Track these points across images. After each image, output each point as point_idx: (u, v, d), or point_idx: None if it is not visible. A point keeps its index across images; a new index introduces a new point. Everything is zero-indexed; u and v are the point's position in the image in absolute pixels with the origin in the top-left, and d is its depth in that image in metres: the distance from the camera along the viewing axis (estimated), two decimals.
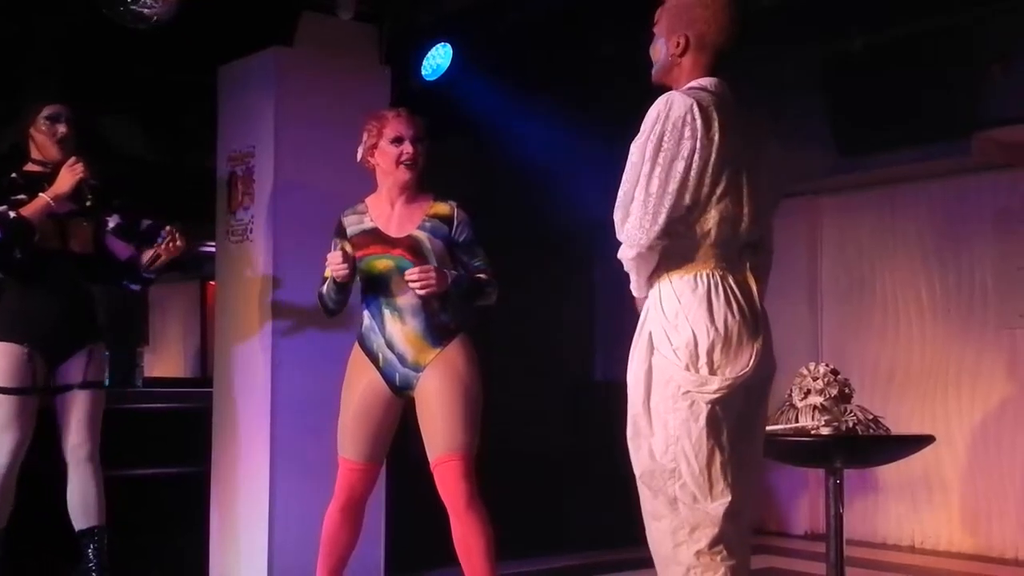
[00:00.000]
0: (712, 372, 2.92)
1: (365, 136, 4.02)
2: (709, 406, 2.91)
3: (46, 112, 4.43)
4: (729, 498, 2.91)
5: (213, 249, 5.68)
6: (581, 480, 6.82)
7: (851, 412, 4.42)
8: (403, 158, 3.93)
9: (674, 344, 2.94)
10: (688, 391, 2.91)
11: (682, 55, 3.07)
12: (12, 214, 4.23)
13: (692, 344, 2.92)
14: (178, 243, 4.51)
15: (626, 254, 2.97)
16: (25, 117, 4.46)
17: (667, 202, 2.89)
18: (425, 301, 3.87)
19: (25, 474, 4.39)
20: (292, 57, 5.26)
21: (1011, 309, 6.30)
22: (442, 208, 4.00)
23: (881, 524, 6.72)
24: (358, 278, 4.00)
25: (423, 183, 4.04)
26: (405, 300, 3.89)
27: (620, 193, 2.98)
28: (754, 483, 3.11)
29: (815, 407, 4.38)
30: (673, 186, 2.89)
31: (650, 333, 3.00)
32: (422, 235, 3.93)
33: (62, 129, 4.42)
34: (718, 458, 2.93)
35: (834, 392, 4.42)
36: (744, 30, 3.08)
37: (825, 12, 5.39)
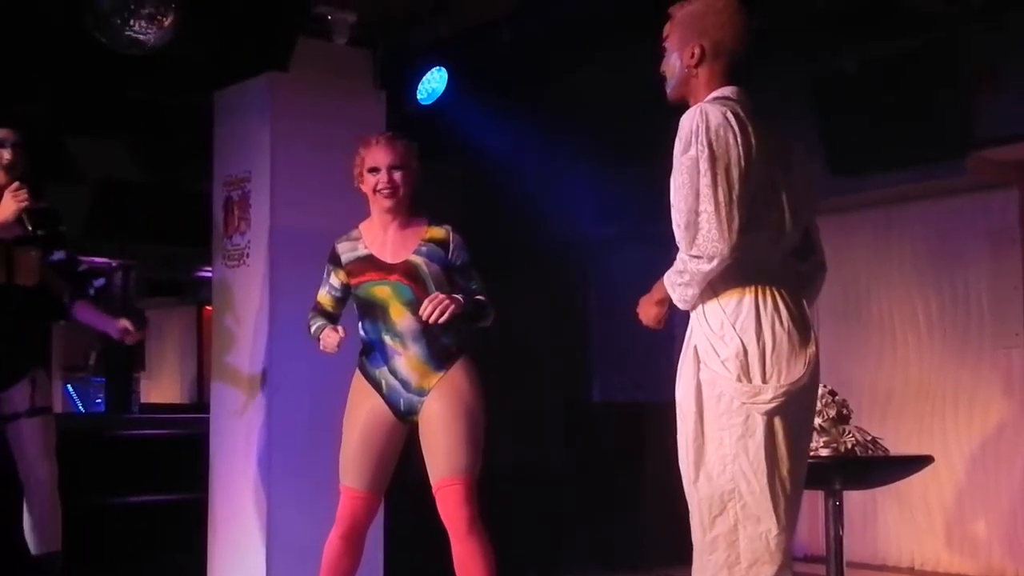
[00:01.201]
0: (764, 381, 2.85)
1: (355, 163, 4.04)
2: (765, 418, 2.84)
3: None
4: (789, 527, 2.82)
5: (209, 274, 5.67)
6: (579, 501, 6.80)
7: (849, 433, 4.41)
8: (378, 186, 3.93)
9: (722, 356, 2.88)
10: (742, 403, 2.85)
11: (698, 65, 3.04)
12: None
13: (742, 354, 2.86)
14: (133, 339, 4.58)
15: (701, 269, 2.88)
16: None
17: (736, 209, 2.84)
18: (426, 325, 3.85)
19: None
20: (287, 82, 5.26)
21: (1007, 328, 6.29)
22: (437, 232, 3.99)
23: (881, 546, 6.70)
24: (355, 305, 3.99)
25: (413, 207, 4.02)
26: (405, 325, 3.88)
27: (679, 212, 2.90)
28: (799, 505, 3.03)
29: (813, 428, 4.37)
30: (737, 192, 2.84)
31: (695, 348, 2.95)
32: (419, 260, 3.92)
33: (7, 155, 4.40)
34: (779, 474, 2.86)
35: (832, 413, 4.42)
36: (753, 40, 3.06)
37: (817, 33, 5.41)
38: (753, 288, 2.93)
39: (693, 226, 2.87)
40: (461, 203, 6.86)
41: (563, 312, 7.76)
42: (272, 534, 5.04)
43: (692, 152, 2.88)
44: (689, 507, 2.98)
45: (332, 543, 3.99)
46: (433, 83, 5.62)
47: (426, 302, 3.76)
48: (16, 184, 4.30)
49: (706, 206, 2.85)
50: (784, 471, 2.87)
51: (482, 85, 5.78)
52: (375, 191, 3.94)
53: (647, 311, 3.13)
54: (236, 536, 5.20)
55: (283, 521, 5.04)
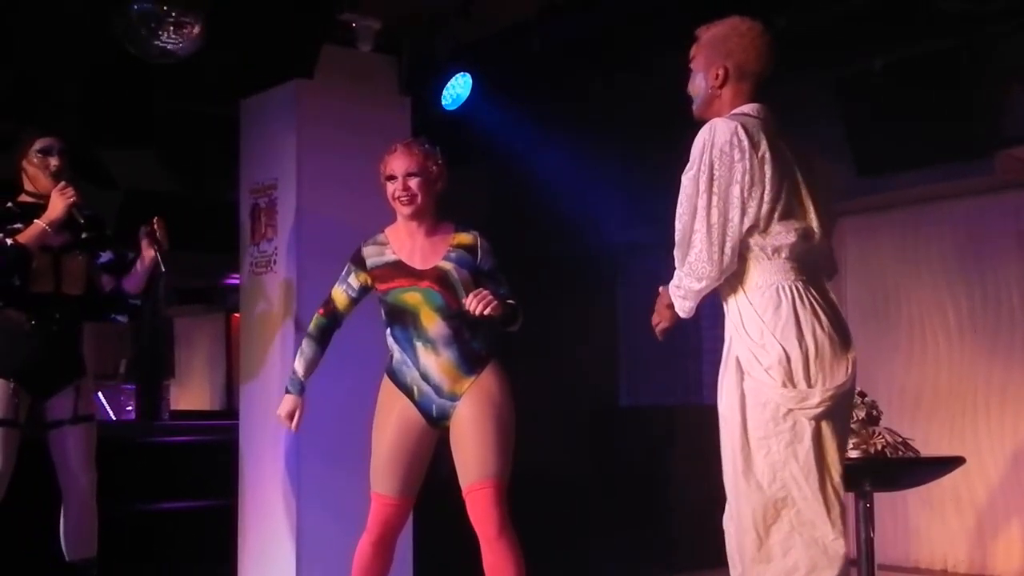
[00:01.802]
0: (810, 385, 2.86)
1: (380, 169, 4.05)
2: (813, 423, 2.85)
3: (38, 145, 4.45)
4: (845, 532, 2.81)
5: (238, 281, 5.70)
6: (606, 505, 6.79)
7: (879, 435, 4.39)
8: (395, 194, 3.95)
9: (765, 364, 2.89)
10: (790, 410, 2.85)
11: (722, 86, 3.10)
12: (8, 241, 4.26)
13: (784, 360, 2.87)
14: (161, 232, 4.49)
15: (693, 287, 2.96)
16: (18, 150, 4.49)
17: (731, 231, 2.90)
18: (457, 331, 3.87)
19: (14, 509, 4.39)
20: (313, 89, 5.29)
21: None
22: (465, 238, 4.00)
23: (913, 548, 6.65)
24: (383, 311, 4.00)
25: (438, 213, 4.03)
26: (436, 331, 3.89)
27: (678, 227, 2.99)
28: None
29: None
30: (734, 213, 2.90)
31: (737, 358, 2.96)
32: (448, 266, 3.93)
33: (54, 162, 4.44)
34: (830, 478, 2.86)
35: (862, 415, 4.39)
36: (777, 55, 3.10)
37: (843, 32, 5.39)
38: (790, 293, 2.95)
39: (686, 244, 2.98)
40: (487, 208, 6.87)
41: (590, 317, 7.75)
42: (301, 539, 5.05)
43: (693, 171, 2.97)
44: (738, 520, 2.96)
45: (363, 549, 3.99)
46: (458, 89, 5.63)
47: (471, 297, 3.75)
48: (62, 184, 4.35)
49: (700, 226, 2.94)
50: (835, 475, 2.88)
51: (507, 90, 5.78)
52: (393, 199, 3.96)
53: (660, 313, 3.19)
54: (266, 542, 5.22)
55: (312, 526, 5.06)
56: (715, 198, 2.90)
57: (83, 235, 4.46)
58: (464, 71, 5.61)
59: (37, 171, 4.45)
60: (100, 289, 4.63)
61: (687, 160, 3.02)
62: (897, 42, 5.60)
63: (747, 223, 2.91)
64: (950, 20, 5.38)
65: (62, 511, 4.52)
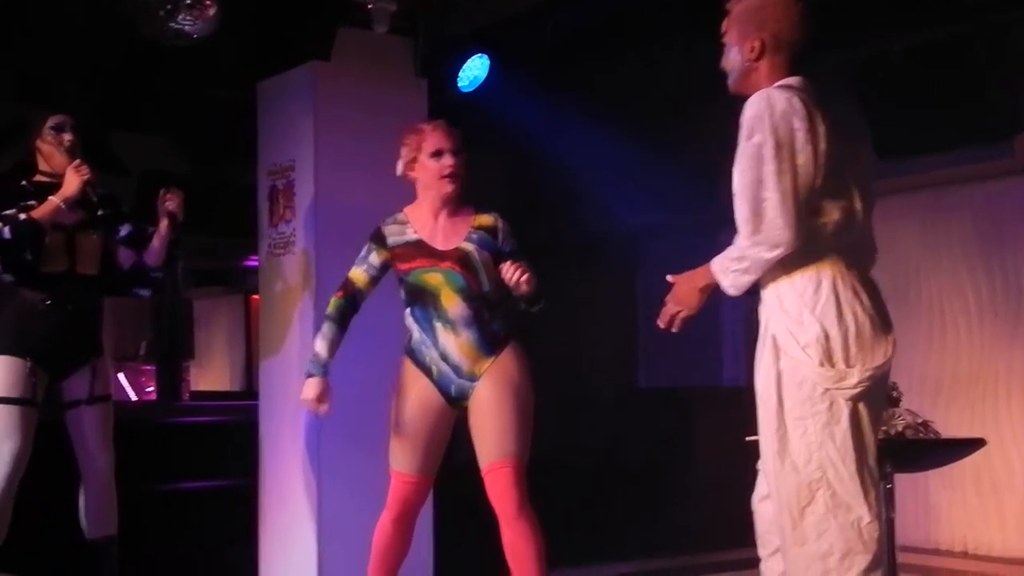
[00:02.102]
0: (849, 365, 2.82)
1: (404, 150, 4.02)
2: (850, 404, 2.82)
3: (51, 122, 4.46)
4: (882, 515, 2.79)
5: (256, 263, 5.71)
6: (625, 488, 6.79)
7: (900, 416, 4.37)
8: (445, 171, 3.91)
9: (802, 342, 2.85)
10: (827, 389, 2.82)
11: (758, 59, 3.03)
12: (22, 216, 4.27)
13: (823, 339, 2.83)
14: (176, 200, 4.50)
15: (763, 256, 2.86)
16: (31, 129, 4.50)
17: (801, 197, 2.83)
18: (477, 312, 3.88)
19: (33, 489, 4.42)
20: (330, 71, 5.28)
21: None
22: (486, 219, 4.00)
23: (933, 529, 6.64)
24: (402, 291, 4.00)
25: (462, 194, 4.03)
26: (457, 312, 3.89)
27: (743, 199, 2.89)
28: None
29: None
30: (804, 179, 2.83)
31: (774, 336, 2.92)
32: (470, 247, 3.93)
33: (68, 137, 4.44)
34: (867, 461, 2.83)
35: None
36: (814, 25, 3.03)
37: (861, 15, 5.35)
38: (830, 273, 2.90)
39: (758, 214, 2.85)
40: (504, 190, 6.86)
41: (610, 299, 7.75)
42: (322, 518, 5.07)
43: (756, 139, 2.86)
44: (776, 501, 2.94)
45: (383, 527, 4.01)
46: (475, 70, 5.61)
47: (508, 265, 3.75)
48: (77, 161, 4.36)
49: (771, 193, 2.83)
50: (871, 458, 2.84)
51: (524, 71, 5.76)
52: (440, 176, 3.91)
53: (689, 298, 3.07)
54: (286, 521, 5.24)
55: (333, 505, 5.08)
56: (784, 163, 2.82)
57: (98, 212, 4.45)
58: (481, 52, 5.59)
59: (51, 148, 4.45)
60: (120, 265, 4.64)
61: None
62: (916, 25, 5.56)
63: (806, 193, 2.84)
64: (968, 3, 5.34)
65: (81, 490, 4.55)
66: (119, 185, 4.79)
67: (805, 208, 2.86)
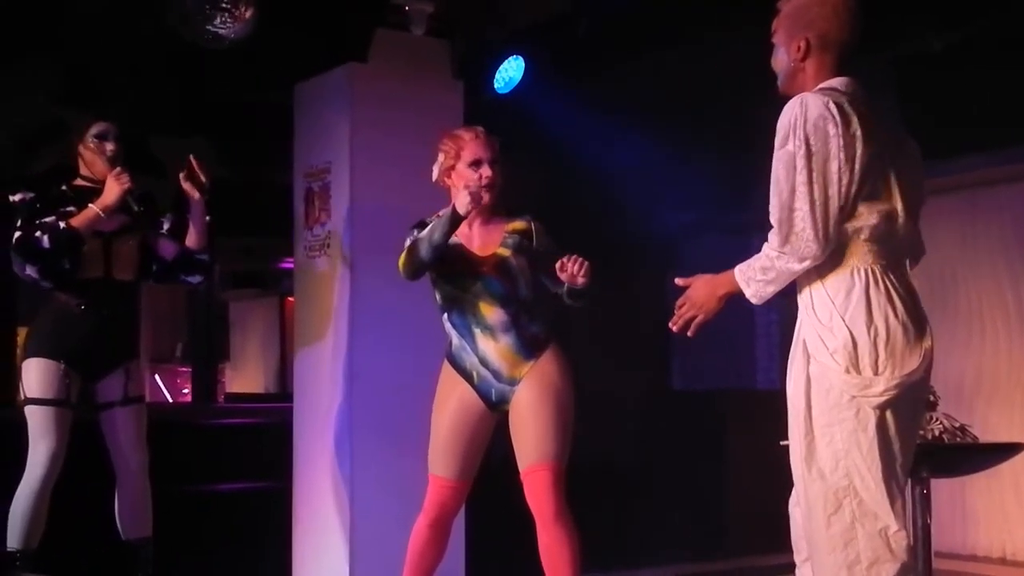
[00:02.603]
0: (876, 373, 2.79)
1: (441, 156, 4.01)
2: (877, 412, 2.78)
3: (94, 130, 4.50)
4: (910, 524, 2.78)
5: (291, 265, 5.74)
6: (659, 489, 6.77)
7: (937, 420, 4.33)
8: (483, 182, 3.90)
9: (830, 348, 2.82)
10: (853, 397, 2.79)
11: (804, 59, 3.00)
12: (61, 224, 4.30)
13: (850, 345, 2.80)
14: (200, 168, 4.52)
15: (790, 267, 2.85)
16: (73, 134, 4.54)
17: (833, 207, 2.80)
18: (515, 317, 3.88)
19: (70, 490, 4.45)
20: (366, 73, 5.30)
21: None
22: (519, 224, 4.00)
23: (970, 536, 6.57)
24: (439, 297, 3.99)
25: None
26: (495, 318, 3.89)
27: (776, 205, 2.86)
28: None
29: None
30: (834, 189, 2.80)
31: (804, 341, 2.90)
32: (507, 253, 3.93)
33: (110, 147, 4.48)
34: (894, 469, 2.80)
35: None
36: (863, 24, 2.97)
37: (900, 13, 5.31)
38: (864, 277, 2.86)
39: (787, 224, 2.83)
40: (540, 191, 6.85)
41: (643, 300, 7.72)
42: (355, 521, 5.08)
43: (789, 147, 2.83)
44: (804, 507, 2.92)
45: (419, 531, 4.01)
46: (511, 72, 5.61)
47: (567, 260, 3.73)
48: (118, 170, 4.39)
49: (801, 204, 2.80)
50: (898, 467, 2.81)
51: (560, 73, 5.75)
52: (479, 186, 3.86)
53: (708, 303, 3.04)
54: (319, 523, 5.26)
55: (366, 508, 5.09)
56: (815, 174, 2.79)
57: (139, 208, 4.46)
58: (516, 54, 5.59)
59: (94, 156, 4.49)
60: (164, 258, 4.64)
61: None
62: (955, 23, 5.51)
63: (842, 201, 2.81)
64: (1009, 0, 5.29)
65: (116, 492, 4.58)
66: (158, 188, 4.80)
67: (840, 214, 2.83)
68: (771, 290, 2.92)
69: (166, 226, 4.65)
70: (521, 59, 5.58)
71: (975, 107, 5.63)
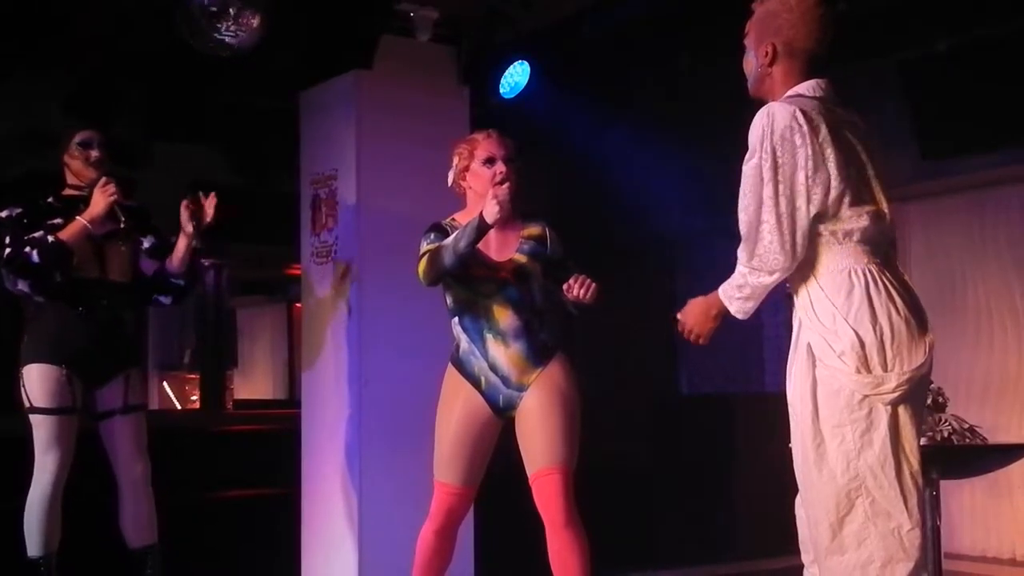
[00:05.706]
0: (886, 370, 2.80)
1: (456, 160, 4.00)
2: (889, 409, 2.79)
3: (78, 138, 4.51)
4: (924, 522, 2.76)
5: (299, 272, 5.75)
6: (668, 493, 6.77)
7: (946, 421, 4.33)
8: (497, 178, 3.89)
9: (837, 350, 2.82)
10: (865, 396, 2.79)
11: (771, 64, 3.01)
12: (50, 238, 4.30)
13: (858, 345, 2.80)
14: (197, 208, 4.47)
15: (762, 282, 2.88)
16: (59, 144, 4.55)
17: (800, 219, 2.82)
18: (527, 323, 3.87)
19: (72, 499, 4.45)
20: (372, 79, 5.31)
21: None
22: (534, 229, 3.99)
23: (980, 536, 6.56)
24: (450, 300, 3.99)
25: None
26: (508, 324, 3.88)
27: (743, 220, 2.90)
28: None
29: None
30: (801, 201, 2.81)
31: (808, 345, 2.90)
32: (523, 258, 3.92)
33: (95, 154, 4.49)
34: (907, 467, 2.80)
35: (928, 401, 4.33)
36: (835, 31, 2.99)
37: (906, 14, 5.31)
38: (862, 277, 2.87)
39: (753, 237, 2.87)
40: (546, 197, 6.85)
41: (651, 305, 7.71)
42: (364, 527, 5.09)
43: (756, 160, 2.86)
44: (811, 511, 2.91)
45: (426, 537, 4.00)
46: (516, 77, 5.62)
47: (574, 281, 3.73)
48: (104, 179, 4.40)
49: (768, 217, 2.84)
50: (912, 463, 2.81)
51: (566, 78, 5.76)
52: (492, 182, 3.85)
53: (703, 324, 3.09)
54: (328, 530, 5.26)
55: (374, 514, 5.09)
56: (781, 186, 2.81)
57: (121, 225, 4.48)
58: (522, 59, 5.60)
59: (79, 164, 4.50)
60: (143, 274, 4.65)
61: (746, 147, 2.96)
62: (961, 24, 5.51)
63: (813, 210, 2.82)
64: (1015, 1, 5.29)
65: (119, 501, 4.57)
66: (170, 195, 4.80)
67: (816, 223, 2.85)
68: (751, 305, 2.95)
69: (146, 245, 4.64)
70: (527, 64, 5.59)
71: (980, 108, 5.62)
